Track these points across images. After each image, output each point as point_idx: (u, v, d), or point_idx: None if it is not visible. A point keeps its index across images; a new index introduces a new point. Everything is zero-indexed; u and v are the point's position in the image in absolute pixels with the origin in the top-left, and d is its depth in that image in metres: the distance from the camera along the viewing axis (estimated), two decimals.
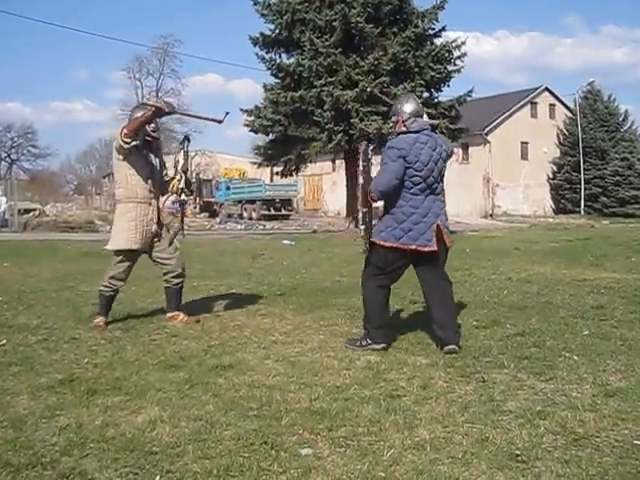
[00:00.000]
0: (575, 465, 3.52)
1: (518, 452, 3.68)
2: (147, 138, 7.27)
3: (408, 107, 6.40)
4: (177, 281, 7.50)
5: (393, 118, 6.48)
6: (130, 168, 7.15)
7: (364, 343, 6.23)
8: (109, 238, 7.36)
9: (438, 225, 6.19)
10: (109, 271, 7.33)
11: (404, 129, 6.27)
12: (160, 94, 69.94)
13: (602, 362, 5.57)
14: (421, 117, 6.43)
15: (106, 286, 7.28)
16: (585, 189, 49.97)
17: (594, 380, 5.05)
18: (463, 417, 4.27)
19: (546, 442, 3.85)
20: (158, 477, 3.40)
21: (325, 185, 60.59)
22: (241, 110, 30.69)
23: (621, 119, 53.25)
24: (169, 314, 7.48)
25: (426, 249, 6.13)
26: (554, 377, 5.15)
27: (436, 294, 6.33)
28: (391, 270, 6.32)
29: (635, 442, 3.83)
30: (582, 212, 48.96)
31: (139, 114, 7.03)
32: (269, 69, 29.17)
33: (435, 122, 6.69)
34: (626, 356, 5.75)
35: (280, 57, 29.74)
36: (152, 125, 7.27)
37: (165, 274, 7.51)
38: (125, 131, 6.90)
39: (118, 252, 7.25)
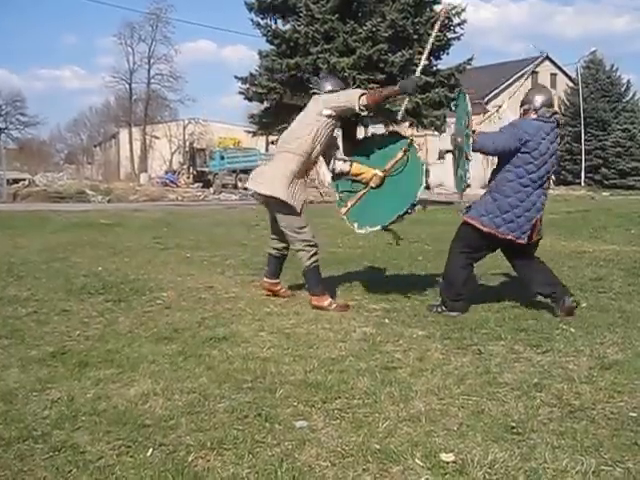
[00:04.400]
0: (570, 437, 3.51)
1: (513, 424, 3.68)
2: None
3: (540, 97, 6.41)
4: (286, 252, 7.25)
5: (525, 106, 6.44)
6: (325, 130, 6.84)
7: (439, 310, 6.46)
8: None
9: (537, 220, 6.37)
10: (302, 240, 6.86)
11: (534, 117, 6.32)
12: (152, 60, 69.34)
13: (599, 334, 5.56)
14: (552, 107, 6.48)
15: (311, 256, 6.85)
16: (586, 160, 49.83)
17: (591, 352, 5.04)
18: (459, 389, 4.26)
19: (542, 414, 3.84)
20: (151, 450, 3.37)
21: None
22: (235, 77, 30.39)
23: (623, 89, 53.08)
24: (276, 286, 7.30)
25: (520, 241, 6.28)
26: (551, 349, 5.15)
27: (534, 266, 6.57)
28: (480, 250, 6.53)
29: (630, 414, 3.83)
30: (582, 183, 48.83)
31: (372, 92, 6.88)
32: (264, 35, 28.81)
33: (560, 117, 6.67)
34: (623, 329, 5.75)
35: (275, 23, 29.34)
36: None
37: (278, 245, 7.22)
38: (368, 100, 6.62)
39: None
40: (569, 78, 54.95)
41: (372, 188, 6.98)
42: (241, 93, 30.35)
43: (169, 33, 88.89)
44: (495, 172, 6.54)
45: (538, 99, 6.37)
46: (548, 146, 6.21)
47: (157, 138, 67.37)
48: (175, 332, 5.69)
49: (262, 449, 3.39)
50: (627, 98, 52.52)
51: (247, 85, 29.72)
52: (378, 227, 6.86)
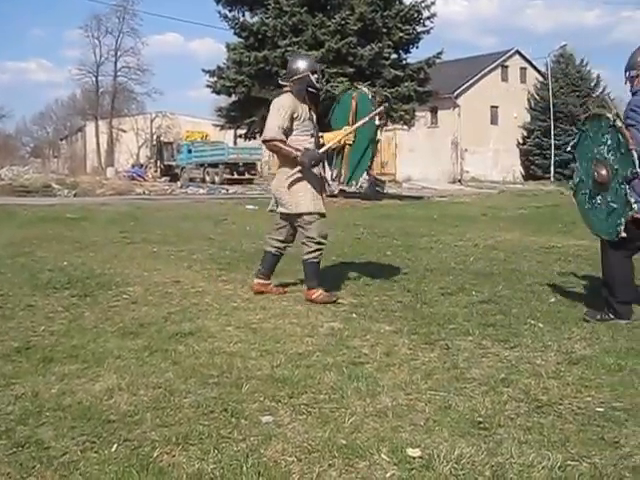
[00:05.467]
0: (537, 432, 3.52)
1: (480, 419, 3.68)
2: (310, 89, 6.82)
3: None
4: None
5: (632, 72, 5.83)
6: (302, 131, 6.75)
7: (606, 317, 5.86)
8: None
9: None
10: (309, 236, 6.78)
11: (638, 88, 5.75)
12: (119, 53, 68.85)
13: (567, 330, 5.59)
14: None
15: (312, 251, 6.80)
16: (555, 155, 50.11)
17: (559, 348, 5.06)
18: (426, 384, 4.25)
19: (509, 409, 3.85)
20: (115, 445, 3.33)
21: None
22: (203, 71, 30.20)
23: (593, 84, 53.40)
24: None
25: None
26: (519, 344, 5.16)
27: None
28: (637, 240, 5.81)
29: (597, 409, 3.84)
30: (552, 178, 49.12)
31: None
32: (232, 28, 28.62)
33: None
34: (591, 324, 5.77)
35: (243, 15, 29.15)
36: (316, 75, 6.83)
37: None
38: (269, 146, 6.79)
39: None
40: (539, 72, 55.25)
41: (350, 145, 7.01)
42: (209, 86, 30.17)
43: (136, 25, 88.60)
44: None
45: None
46: None
47: (124, 131, 67.03)
48: (141, 327, 5.65)
49: (228, 444, 3.36)
50: (597, 93, 52.85)
51: (215, 78, 29.53)
52: (363, 174, 7.13)
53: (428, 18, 28.77)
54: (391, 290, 7.27)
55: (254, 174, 47.03)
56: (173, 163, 49.25)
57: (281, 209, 6.90)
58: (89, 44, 72.87)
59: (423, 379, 4.35)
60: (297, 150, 6.58)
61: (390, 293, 7.10)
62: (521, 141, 53.80)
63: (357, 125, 6.91)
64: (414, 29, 28.61)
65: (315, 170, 6.82)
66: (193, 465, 3.14)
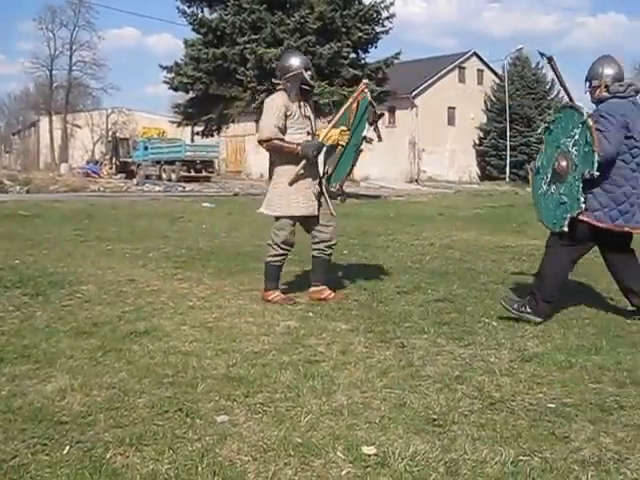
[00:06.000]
0: (490, 428, 3.56)
1: (435, 416, 3.70)
2: (304, 87, 6.67)
3: (610, 70, 5.87)
4: (330, 251, 6.99)
5: (594, 82, 5.92)
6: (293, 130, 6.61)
7: (522, 310, 5.89)
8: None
9: None
10: (274, 238, 6.75)
11: (607, 95, 5.80)
12: (74, 46, 68.07)
13: (520, 328, 5.65)
14: (622, 80, 5.89)
15: (275, 255, 6.74)
16: (511, 156, 50.65)
17: (512, 345, 5.11)
18: (382, 382, 4.27)
19: (463, 406, 3.88)
20: (68, 447, 3.29)
21: (248, 146, 60.06)
22: (160, 66, 30.08)
23: (548, 87, 54.01)
24: (315, 288, 6.90)
25: (637, 231, 5.84)
26: (473, 342, 5.20)
27: (631, 268, 6.05)
28: (585, 245, 5.96)
29: (549, 405, 3.90)
30: (507, 179, 49.64)
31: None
32: (190, 24, 28.58)
33: (638, 87, 5.93)
34: (544, 322, 5.83)
35: (202, 12, 29.15)
36: (309, 72, 6.72)
37: (317, 243, 6.90)
38: (266, 146, 6.64)
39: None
40: (495, 74, 55.83)
41: (342, 146, 6.87)
42: (166, 82, 30.08)
43: (92, 19, 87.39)
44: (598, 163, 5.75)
45: (608, 72, 5.85)
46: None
47: (79, 127, 66.41)
48: (95, 326, 5.58)
49: (182, 444, 3.34)
50: (552, 96, 53.48)
51: (172, 74, 29.45)
52: (343, 178, 6.97)
53: (387, 18, 29.02)
54: (347, 289, 7.29)
55: (211, 172, 46.91)
56: (129, 160, 48.87)
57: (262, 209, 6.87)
58: (43, 37, 72.05)
59: (378, 377, 4.36)
60: (297, 144, 6.49)
61: (346, 292, 7.12)
62: (477, 142, 54.29)
63: (335, 121, 6.83)
64: (373, 29, 28.82)
65: (312, 168, 6.71)
66: (147, 466, 3.11)
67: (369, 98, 6.76)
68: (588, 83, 6.04)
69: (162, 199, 25.28)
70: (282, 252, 6.74)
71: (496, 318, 5.96)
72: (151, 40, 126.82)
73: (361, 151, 6.82)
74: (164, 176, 44.59)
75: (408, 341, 5.22)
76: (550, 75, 52.04)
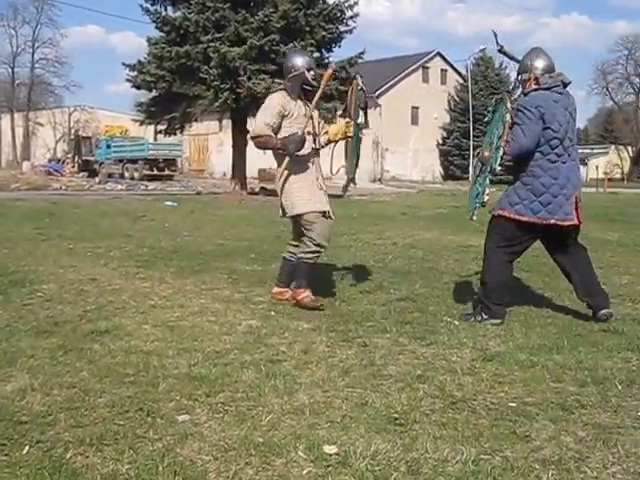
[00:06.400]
0: (452, 427, 3.57)
1: (396, 415, 3.71)
2: (305, 87, 6.62)
3: (540, 62, 5.89)
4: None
5: (524, 76, 5.96)
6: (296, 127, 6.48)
7: (479, 318, 5.88)
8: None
9: (576, 197, 5.79)
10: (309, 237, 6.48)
11: (533, 87, 5.83)
12: (37, 44, 67.35)
13: (482, 327, 5.69)
14: (553, 72, 5.90)
15: (309, 252, 6.50)
16: (474, 156, 50.91)
17: (474, 345, 5.15)
18: (343, 381, 4.28)
19: (424, 405, 3.89)
20: (27, 447, 3.26)
21: (211, 145, 59.96)
22: (123, 64, 29.81)
23: (511, 87, 54.28)
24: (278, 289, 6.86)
25: (566, 223, 5.76)
26: (435, 342, 5.23)
27: (578, 264, 6.00)
28: (519, 243, 5.94)
29: (510, 404, 3.92)
30: (470, 179, 49.87)
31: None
32: (154, 22, 28.32)
33: (568, 78, 5.94)
34: (506, 321, 5.88)
35: (166, 10, 28.86)
36: (312, 72, 6.60)
37: (294, 246, 6.82)
38: (256, 142, 6.54)
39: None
40: (459, 74, 56.23)
41: (351, 137, 6.81)
42: (129, 81, 29.79)
43: (55, 16, 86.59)
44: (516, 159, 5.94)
45: (538, 64, 5.88)
46: (564, 113, 5.73)
47: (41, 125, 65.78)
48: (55, 325, 5.54)
49: (143, 444, 3.32)
50: (515, 96, 53.88)
51: (135, 73, 29.18)
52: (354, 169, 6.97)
53: (351, 18, 29.05)
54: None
55: (174, 170, 46.72)
56: (91, 158, 48.50)
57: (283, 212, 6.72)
58: (5, 34, 71.67)
59: (340, 376, 4.37)
60: (278, 139, 6.43)
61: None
62: (441, 141, 54.65)
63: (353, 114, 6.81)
64: (337, 28, 28.83)
65: (310, 166, 6.64)
66: (107, 466, 3.09)
67: (361, 85, 6.76)
68: (519, 76, 6.09)
69: (124, 198, 25.13)
70: (317, 249, 6.51)
71: (458, 317, 6.00)
72: (114, 38, 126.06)
73: (361, 139, 6.82)
74: (127, 175, 44.34)
75: (370, 340, 5.23)
76: (513, 75, 52.64)
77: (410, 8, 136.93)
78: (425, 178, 52.78)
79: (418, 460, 3.18)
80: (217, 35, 26.48)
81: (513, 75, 44.17)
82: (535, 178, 5.74)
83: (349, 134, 6.73)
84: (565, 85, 5.93)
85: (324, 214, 6.54)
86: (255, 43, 25.83)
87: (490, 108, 6.28)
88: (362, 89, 6.69)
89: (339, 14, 28.65)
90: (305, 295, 6.41)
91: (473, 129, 51.08)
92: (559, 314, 6.24)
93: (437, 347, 5.09)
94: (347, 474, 3.05)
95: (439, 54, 57.08)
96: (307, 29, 27.39)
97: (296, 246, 6.75)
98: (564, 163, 5.75)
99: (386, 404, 3.89)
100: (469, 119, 51.12)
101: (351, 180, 6.88)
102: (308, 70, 6.58)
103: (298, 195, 6.50)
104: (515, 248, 5.97)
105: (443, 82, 56.26)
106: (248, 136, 6.35)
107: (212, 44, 26.18)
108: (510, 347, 5.09)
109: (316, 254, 6.55)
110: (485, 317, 5.87)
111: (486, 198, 5.83)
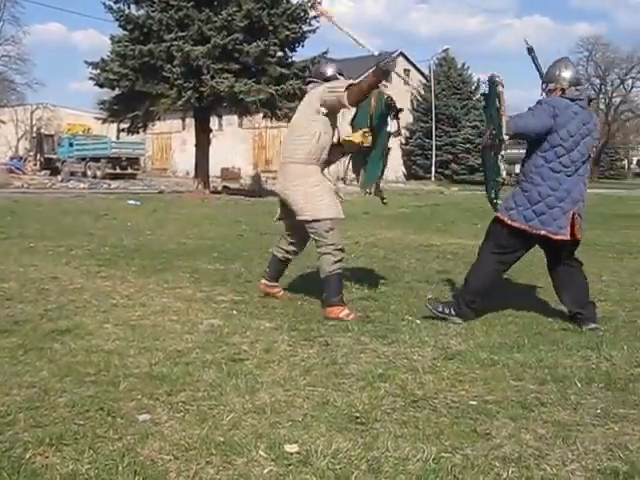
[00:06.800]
0: (412, 426, 3.58)
1: (358, 414, 3.72)
2: None
3: (568, 73, 5.80)
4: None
5: (550, 85, 5.85)
6: (326, 126, 6.29)
7: (447, 311, 5.87)
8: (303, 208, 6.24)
9: (574, 213, 5.67)
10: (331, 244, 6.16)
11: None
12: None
13: (444, 326, 5.71)
14: (580, 85, 5.90)
15: (337, 262, 6.18)
16: (436, 156, 51.30)
17: (435, 343, 5.17)
18: (305, 380, 4.28)
19: (385, 404, 3.90)
20: None
21: (174, 144, 59.65)
22: (86, 62, 29.54)
23: (473, 87, 54.97)
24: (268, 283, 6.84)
25: (557, 237, 5.64)
26: (396, 340, 5.24)
27: (571, 276, 5.94)
28: (512, 252, 5.87)
29: (470, 403, 3.94)
30: (433, 178, 50.19)
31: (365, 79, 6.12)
32: (117, 20, 28.13)
33: (592, 95, 5.99)
34: (467, 320, 5.90)
35: (129, 8, 28.63)
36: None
37: (291, 252, 6.77)
38: (353, 97, 5.98)
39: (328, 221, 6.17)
40: (422, 74, 56.39)
41: (368, 148, 6.57)
42: (92, 79, 29.54)
43: (18, 13, 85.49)
44: (524, 161, 5.88)
45: (565, 76, 5.78)
46: (579, 126, 5.63)
47: (3, 122, 64.84)
48: (16, 325, 5.48)
49: (103, 444, 3.30)
50: (477, 96, 54.34)
51: (98, 71, 28.94)
52: (375, 179, 6.71)
53: (314, 17, 29.00)
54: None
55: (137, 169, 46.46)
56: (54, 156, 48.02)
57: (298, 217, 6.27)
58: None
59: (302, 375, 4.37)
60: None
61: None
62: (404, 141, 54.78)
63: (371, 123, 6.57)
64: (300, 28, 28.86)
65: (325, 171, 6.45)
66: (67, 466, 3.07)
67: (385, 93, 6.52)
68: (544, 85, 5.97)
69: (87, 196, 24.96)
70: (340, 256, 6.21)
71: (420, 316, 6.02)
72: (77, 36, 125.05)
73: (390, 149, 6.62)
74: (89, 173, 43.99)
75: (332, 339, 5.24)
76: (476, 76, 53.11)
77: (374, 8, 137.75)
78: (388, 177, 52.83)
79: (379, 459, 3.19)
80: (180, 34, 26.38)
81: (476, 76, 44.45)
82: (533, 186, 5.68)
83: (365, 144, 6.51)
84: (590, 101, 5.91)
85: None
86: (218, 42, 25.76)
87: (484, 91, 6.37)
88: (390, 98, 6.52)
89: (302, 14, 28.66)
90: (346, 313, 6.02)
91: (436, 129, 51.39)
92: (520, 313, 6.29)
93: (398, 346, 5.10)
94: (308, 473, 3.05)
95: (402, 54, 57.14)
96: (271, 28, 27.38)
97: (291, 243, 6.68)
98: (568, 176, 5.65)
99: (347, 403, 3.89)
100: (432, 119, 51.35)
101: (377, 188, 6.72)
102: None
103: (320, 198, 6.20)
104: (507, 257, 5.90)
105: (406, 82, 56.44)
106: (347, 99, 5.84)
107: (175, 43, 26.07)
108: (471, 346, 5.12)
109: (342, 261, 6.26)
110: (452, 313, 5.87)
111: (504, 174, 5.77)
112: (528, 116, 5.68)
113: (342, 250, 6.24)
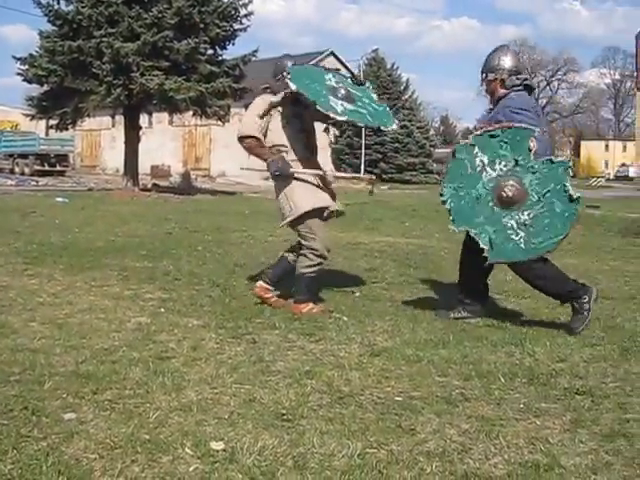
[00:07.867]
0: (338, 422, 3.61)
1: (284, 411, 3.74)
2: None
3: (507, 62, 5.60)
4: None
5: (490, 76, 5.68)
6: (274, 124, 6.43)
7: (459, 315, 5.93)
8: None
9: None
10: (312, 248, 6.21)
11: (503, 91, 5.56)
12: None
13: (371, 323, 5.76)
14: (521, 74, 5.70)
15: (313, 265, 6.22)
16: (366, 155, 51.49)
17: (362, 340, 5.21)
18: (232, 378, 4.28)
19: (312, 401, 3.93)
20: None
21: (104, 141, 58.83)
22: (14, 58, 29.02)
23: (402, 87, 55.39)
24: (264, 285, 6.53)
25: None
26: (324, 338, 5.27)
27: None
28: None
29: (396, 399, 3.99)
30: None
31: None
32: (46, 15, 27.70)
33: (534, 84, 5.66)
34: (394, 317, 5.98)
35: (58, 3, 28.17)
36: None
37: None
38: (245, 144, 6.28)
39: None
40: (352, 74, 56.61)
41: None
42: (20, 74, 29.04)
43: None
44: None
45: (505, 65, 5.62)
46: (542, 118, 5.60)
47: None
48: None
49: (27, 443, 3.26)
50: (406, 96, 54.90)
51: (26, 66, 28.45)
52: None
53: (245, 16, 29.12)
54: (200, 285, 7.25)
55: (66, 166, 45.60)
56: None
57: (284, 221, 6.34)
58: None
59: (229, 373, 4.37)
60: (272, 153, 6.24)
61: (199, 288, 7.09)
62: (333, 140, 54.96)
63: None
64: (231, 26, 28.87)
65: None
66: None
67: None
68: (484, 75, 5.81)
69: (14, 193, 24.52)
70: (320, 262, 6.29)
71: (347, 313, 6.07)
72: (6, 30, 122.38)
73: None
74: (17, 170, 43.08)
75: (259, 337, 5.25)
76: (405, 76, 53.56)
77: (304, 7, 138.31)
78: None
79: (305, 455, 3.21)
80: (110, 30, 26.11)
81: (405, 76, 44.79)
82: None
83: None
84: (531, 91, 5.83)
85: (323, 214, 6.51)
86: (149, 39, 25.59)
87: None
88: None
89: (233, 12, 28.68)
90: (310, 307, 6.13)
91: (365, 128, 51.63)
92: (445, 310, 6.34)
93: (325, 343, 5.14)
94: (234, 470, 3.05)
95: (333, 54, 57.28)
96: (201, 26, 27.33)
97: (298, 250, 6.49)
98: None
99: (274, 400, 3.91)
100: None
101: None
102: None
103: (298, 193, 6.29)
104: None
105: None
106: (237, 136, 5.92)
107: (105, 39, 25.80)
108: (397, 342, 5.17)
109: (319, 266, 6.30)
110: (466, 315, 5.94)
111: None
112: (539, 136, 5.33)
113: (322, 257, 6.27)
